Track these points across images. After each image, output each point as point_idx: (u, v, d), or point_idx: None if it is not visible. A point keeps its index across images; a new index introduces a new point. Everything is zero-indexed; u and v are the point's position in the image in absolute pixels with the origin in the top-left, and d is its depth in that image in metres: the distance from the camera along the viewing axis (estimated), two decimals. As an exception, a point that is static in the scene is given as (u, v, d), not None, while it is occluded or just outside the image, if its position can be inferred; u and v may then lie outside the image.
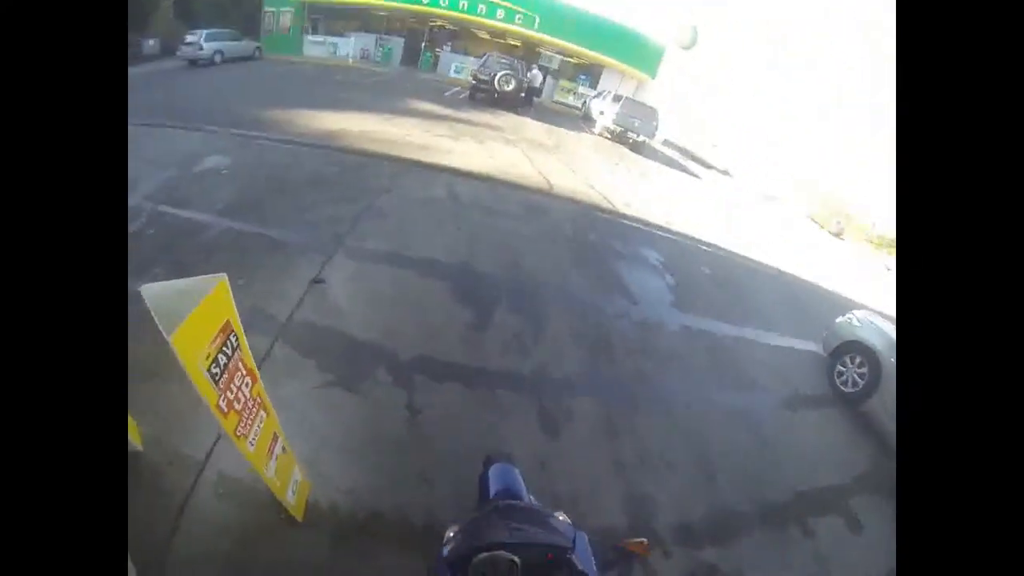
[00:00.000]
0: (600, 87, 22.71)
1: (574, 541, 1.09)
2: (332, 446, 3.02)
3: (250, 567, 2.30)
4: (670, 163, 19.26)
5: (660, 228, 9.08)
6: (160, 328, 1.31)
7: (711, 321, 6.14)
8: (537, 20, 22.48)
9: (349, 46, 23.65)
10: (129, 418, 2.56)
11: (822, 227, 19.18)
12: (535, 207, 7.77)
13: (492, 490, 1.81)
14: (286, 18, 23.89)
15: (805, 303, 8.22)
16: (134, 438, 2.58)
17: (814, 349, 6.32)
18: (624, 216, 9.00)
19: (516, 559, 0.98)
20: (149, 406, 2.81)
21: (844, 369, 5.91)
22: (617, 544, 1.23)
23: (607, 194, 9.88)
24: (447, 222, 6.42)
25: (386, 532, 2.63)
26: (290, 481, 2.37)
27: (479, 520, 1.17)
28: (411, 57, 24.60)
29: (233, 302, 1.67)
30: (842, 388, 5.80)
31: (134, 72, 16.46)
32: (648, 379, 4.64)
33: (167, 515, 2.42)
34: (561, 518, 1.19)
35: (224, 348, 1.61)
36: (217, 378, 1.58)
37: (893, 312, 7.45)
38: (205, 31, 17.92)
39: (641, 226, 8.81)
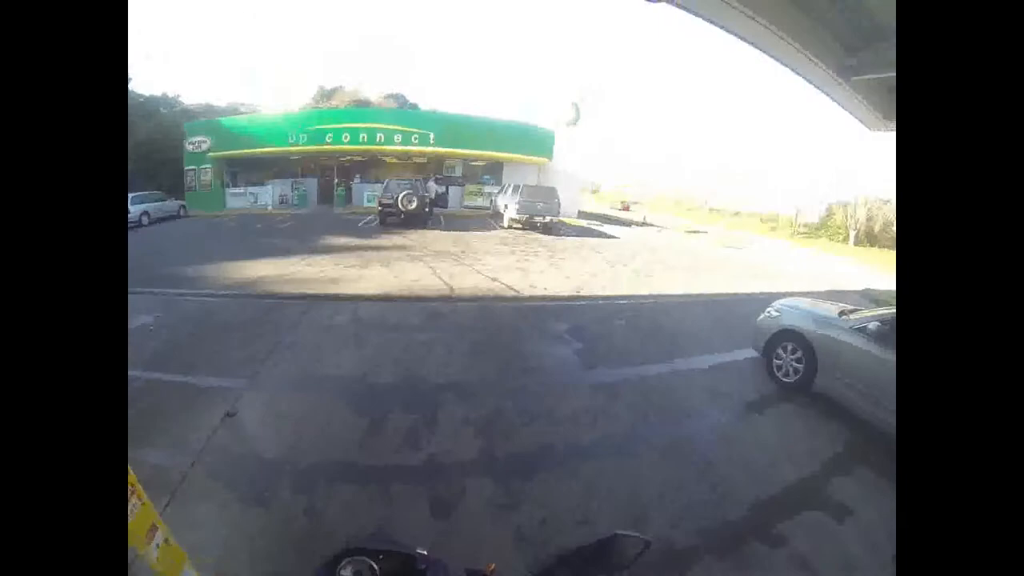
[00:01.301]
0: (504, 182, 24.82)
1: (427, 560, 1.15)
2: (238, 553, 3.37)
3: None
4: (584, 232, 20.79)
5: (568, 299, 10.09)
6: None
7: (627, 368, 6.60)
8: (432, 136, 24.80)
9: (267, 194, 25.55)
10: None
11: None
12: (436, 313, 8.61)
13: None
14: (206, 174, 25.84)
15: (740, 315, 8.53)
16: None
17: (753, 355, 6.81)
18: (528, 299, 9.97)
19: (374, 564, 1.05)
20: None
21: (780, 361, 6.18)
22: (468, 568, 1.29)
23: (513, 284, 10.90)
24: (349, 344, 7.13)
25: None
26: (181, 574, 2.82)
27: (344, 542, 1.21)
28: (326, 194, 26.68)
29: None
30: (784, 380, 6.05)
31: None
32: (552, 445, 4.75)
33: None
34: (420, 550, 1.26)
35: None
36: None
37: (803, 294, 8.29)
38: (131, 195, 18.90)
39: (547, 303, 9.76)
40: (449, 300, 9.55)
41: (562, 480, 4.24)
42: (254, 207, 24.96)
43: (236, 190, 26.11)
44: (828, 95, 8.05)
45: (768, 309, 6.89)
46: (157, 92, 33.51)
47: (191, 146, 25.68)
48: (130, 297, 8.80)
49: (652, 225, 32.63)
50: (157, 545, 2.35)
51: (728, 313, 9.59)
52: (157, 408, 5.14)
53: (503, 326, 8.31)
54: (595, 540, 1.11)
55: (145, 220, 19.49)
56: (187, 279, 10.60)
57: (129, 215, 18.49)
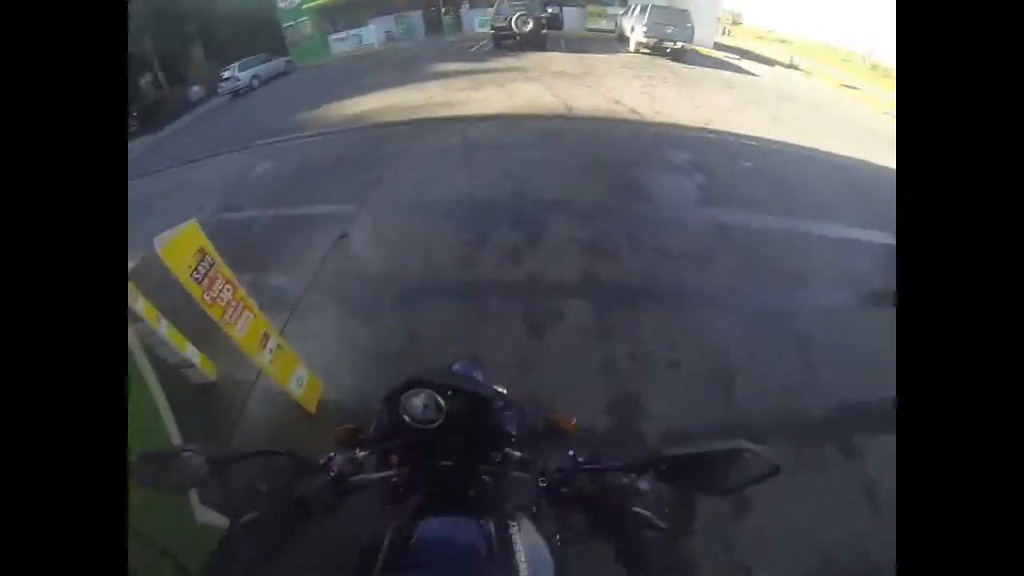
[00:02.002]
0: (629, 2, 21.70)
1: (503, 400, 1.09)
2: (345, 359, 3.58)
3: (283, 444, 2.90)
4: (720, 65, 18.34)
5: (695, 130, 8.79)
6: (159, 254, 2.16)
7: (749, 214, 5.64)
8: (551, -52, 21.89)
9: (371, 33, 24.55)
10: (203, 359, 3.46)
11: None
12: (550, 132, 7.83)
13: None
14: (306, 27, 25.25)
15: (883, 191, 7.10)
16: (210, 374, 3.46)
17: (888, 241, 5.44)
18: (652, 124, 8.82)
19: (441, 400, 1.00)
20: (224, 351, 3.50)
21: None
22: (547, 415, 1.24)
23: (636, 106, 9.70)
24: (457, 165, 6.75)
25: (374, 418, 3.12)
26: (293, 375, 2.98)
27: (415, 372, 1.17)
28: (433, 25, 24.95)
29: (204, 237, 2.41)
30: None
31: (186, 120, 18.38)
32: (657, 279, 4.40)
33: (228, 421, 3.18)
34: (499, 388, 1.23)
35: (201, 264, 2.36)
36: (199, 281, 2.33)
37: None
38: (237, 63, 19.77)
39: (671, 132, 8.58)
40: (566, 119, 8.70)
41: (659, 318, 3.95)
42: (360, 48, 24.29)
43: (339, 35, 25.24)
44: None
45: None
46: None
47: (283, 3, 24.94)
48: (250, 152, 9.43)
49: (799, 69, 28.40)
50: (270, 351, 2.83)
51: (878, 189, 7.56)
52: (277, 239, 5.38)
53: (622, 149, 7.45)
54: (712, 448, 0.90)
55: (256, 83, 19.93)
56: (299, 125, 10.62)
57: (239, 82, 19.44)
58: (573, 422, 1.22)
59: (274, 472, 1.00)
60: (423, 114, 9.37)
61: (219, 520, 2.30)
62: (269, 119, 12.42)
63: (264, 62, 21.08)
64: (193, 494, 2.27)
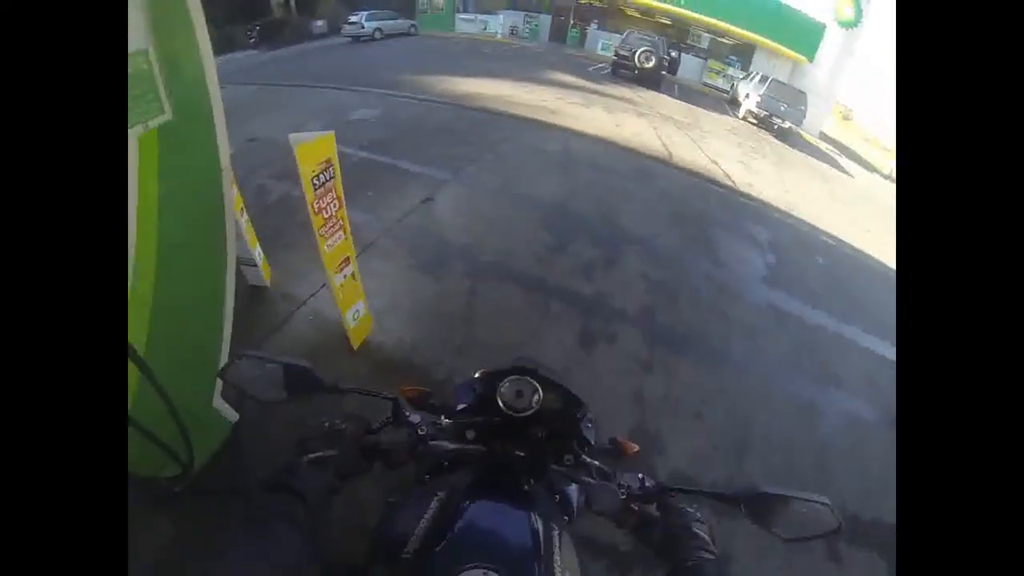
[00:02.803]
0: (751, 69, 21.73)
1: (587, 409, 1.11)
2: (400, 307, 3.80)
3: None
4: (819, 155, 18.17)
5: (779, 212, 8.86)
6: (292, 147, 2.28)
7: (806, 307, 5.71)
8: (684, -4, 22.08)
9: (498, 23, 25.11)
10: (264, 262, 3.70)
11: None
12: (647, 171, 8.08)
13: None
14: None
15: None
16: (266, 278, 3.71)
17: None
18: (741, 194, 8.94)
19: (540, 389, 1.03)
20: (282, 263, 3.87)
21: None
22: (614, 437, 1.25)
23: (731, 172, 9.84)
24: (555, 170, 7.03)
25: (410, 375, 3.23)
26: (352, 306, 3.17)
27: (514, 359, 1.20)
28: (559, 34, 25.40)
29: (335, 150, 2.56)
30: None
31: (304, 47, 19.14)
32: (705, 336, 4.55)
33: (269, 326, 3.43)
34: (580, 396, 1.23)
35: (324, 172, 2.52)
36: (316, 188, 2.48)
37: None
38: (365, 12, 20.71)
39: (757, 205, 8.70)
40: (664, 163, 8.90)
41: (698, 373, 4.08)
42: (483, 34, 24.88)
43: (467, 15, 25.97)
44: None
45: None
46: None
47: None
48: (356, 94, 9.81)
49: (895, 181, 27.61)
50: (345, 275, 2.98)
51: None
52: (366, 180, 5.66)
53: (709, 208, 7.62)
54: (797, 494, 0.96)
55: (378, 35, 20.83)
56: (410, 84, 11.04)
57: (363, 29, 20.39)
58: (636, 449, 1.24)
59: (347, 415, 1.02)
60: (530, 114, 9.70)
61: (230, 413, 2.47)
62: (380, 70, 12.91)
63: (391, 18, 21.96)
64: (217, 383, 2.36)
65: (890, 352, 5.57)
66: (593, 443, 1.11)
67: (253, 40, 19.32)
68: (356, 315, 3.22)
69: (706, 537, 0.94)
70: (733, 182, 9.34)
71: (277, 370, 0.99)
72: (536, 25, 25.33)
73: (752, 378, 4.28)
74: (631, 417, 3.44)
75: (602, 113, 11.04)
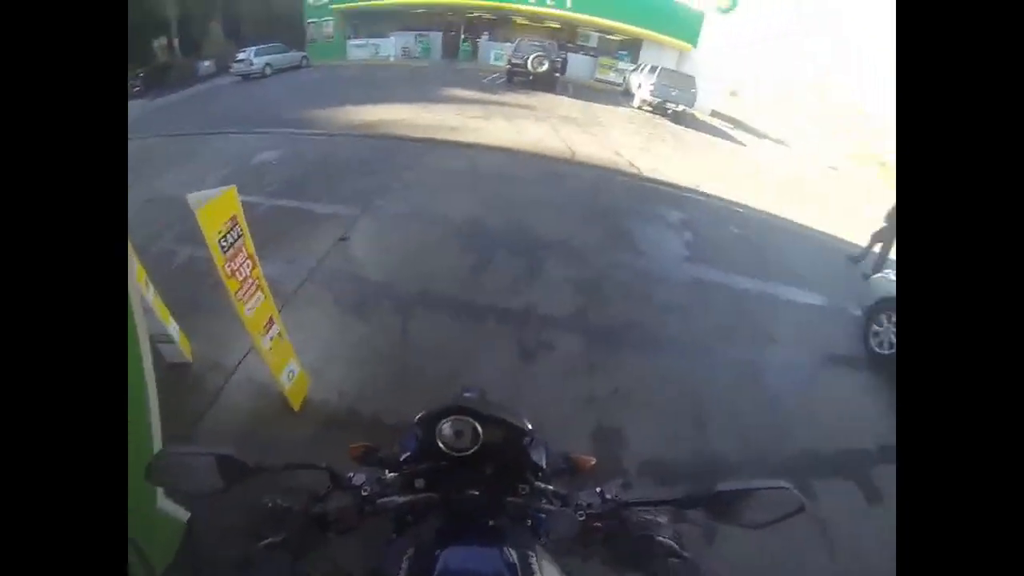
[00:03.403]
0: (640, 61, 22.63)
1: (533, 435, 1.09)
2: (334, 357, 3.66)
3: (256, 442, 2.85)
4: (715, 132, 19.13)
5: (688, 191, 9.25)
6: (193, 210, 2.08)
7: (730, 275, 6.05)
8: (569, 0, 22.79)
9: (390, 46, 25.02)
10: (183, 336, 3.42)
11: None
12: (554, 174, 8.21)
13: None
14: (328, 27, 25.65)
15: (850, 263, 7.93)
16: (186, 353, 3.42)
17: (853, 310, 5.99)
18: (648, 180, 9.26)
19: (479, 427, 1.01)
20: (201, 332, 3.61)
21: (880, 329, 5.41)
22: (568, 454, 1.25)
23: (634, 160, 10.18)
24: (464, 188, 7.02)
25: (361, 425, 3.12)
26: (285, 367, 2.99)
27: (451, 398, 1.19)
28: (451, 50, 25.51)
29: (240, 206, 2.35)
30: (876, 350, 5.34)
31: (192, 91, 18.28)
32: (641, 325, 4.69)
33: (202, 404, 3.16)
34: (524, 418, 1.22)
35: (231, 232, 2.31)
36: (224, 249, 2.29)
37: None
38: (254, 48, 19.99)
39: (665, 188, 9.03)
40: (569, 163, 9.09)
41: (641, 360, 4.20)
42: (375, 59, 24.60)
43: (358, 42, 25.66)
44: None
45: (887, 270, 6.12)
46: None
47: None
48: (255, 136, 9.45)
49: (788, 146, 29.53)
50: (271, 338, 2.82)
51: (846, 261, 8.33)
52: (276, 229, 5.39)
53: (620, 199, 7.84)
54: (756, 485, 0.98)
55: (269, 71, 20.15)
56: (309, 120, 10.79)
57: (253, 66, 19.64)
58: (593, 462, 1.24)
59: (288, 489, 0.99)
60: (433, 134, 9.64)
61: (177, 511, 2.24)
62: (277, 108, 12.57)
63: (281, 52, 21.35)
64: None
65: (811, 298, 6.06)
66: (545, 467, 1.10)
67: (137, 88, 18.16)
68: (291, 375, 3.06)
69: (672, 544, 0.94)
70: (638, 170, 9.68)
71: (207, 460, 0.93)
72: (428, 44, 25.32)
73: (693, 353, 4.45)
74: (587, 419, 3.47)
75: (503, 123, 11.15)
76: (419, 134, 9.60)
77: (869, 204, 13.90)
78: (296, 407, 3.11)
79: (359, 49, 25.39)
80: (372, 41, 25.42)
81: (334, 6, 25.05)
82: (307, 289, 4.41)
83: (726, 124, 23.01)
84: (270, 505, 0.95)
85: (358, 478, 1.01)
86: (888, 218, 8.03)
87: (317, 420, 3.12)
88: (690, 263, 6.21)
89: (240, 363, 3.48)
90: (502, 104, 13.47)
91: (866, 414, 4.41)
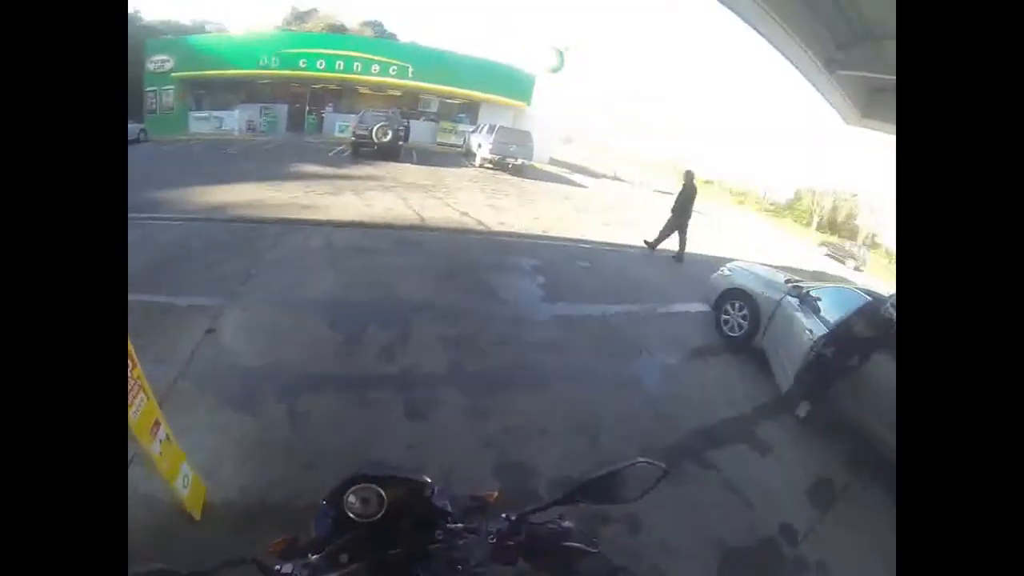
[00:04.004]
0: (479, 122, 24.47)
1: (433, 486, 1.15)
2: (226, 456, 3.51)
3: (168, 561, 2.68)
4: (554, 179, 21.10)
5: (535, 238, 10.49)
6: None
7: (587, 306, 7.13)
8: (410, 69, 24.43)
9: (234, 119, 24.68)
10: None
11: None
12: (406, 241, 8.88)
13: None
14: (169, 96, 24.26)
15: (699, 273, 9.10)
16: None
17: (704, 309, 7.35)
18: (497, 234, 10.34)
19: (381, 491, 1.05)
20: None
21: (728, 316, 6.61)
22: (471, 494, 1.30)
23: (481, 218, 11.25)
24: (323, 266, 7.37)
25: (274, 517, 2.96)
26: (179, 473, 2.77)
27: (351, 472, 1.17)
28: (296, 122, 25.93)
29: None
30: (729, 334, 6.51)
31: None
32: (517, 366, 5.18)
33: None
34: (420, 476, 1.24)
35: None
36: None
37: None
38: None
39: (514, 240, 10.12)
40: (420, 229, 9.82)
41: (525, 397, 4.65)
42: (219, 132, 24.05)
43: (200, 114, 24.88)
44: (811, 83, 7.72)
45: (722, 268, 7.35)
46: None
47: (152, 65, 23.57)
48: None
49: (622, 180, 32.91)
50: (160, 440, 2.61)
51: (688, 271, 10.25)
52: (140, 326, 4.81)
53: (472, 257, 8.63)
54: (615, 467, 1.14)
55: None
56: (155, 204, 10.19)
57: None
58: (495, 494, 1.29)
59: None
60: (287, 214, 9.86)
61: None
62: None
63: (116, 123, 19.92)
64: None
65: (661, 308, 7.46)
66: (451, 511, 1.16)
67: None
68: (186, 480, 2.81)
69: (578, 545, 1.08)
70: (487, 226, 10.71)
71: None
72: (273, 116, 25.47)
73: (571, 380, 5.08)
74: (487, 460, 3.72)
75: (352, 198, 11.68)
76: (273, 214, 9.83)
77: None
78: (197, 515, 2.85)
79: (202, 122, 24.60)
80: (216, 114, 24.88)
81: (175, 74, 23.83)
82: (182, 387, 4.26)
83: (564, 170, 25.36)
84: None
85: (285, 567, 1.02)
86: (674, 209, 10.49)
87: (225, 523, 2.89)
88: (548, 302, 7.07)
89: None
90: (349, 178, 14.08)
91: (735, 385, 5.53)
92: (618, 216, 15.71)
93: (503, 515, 1.15)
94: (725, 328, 6.67)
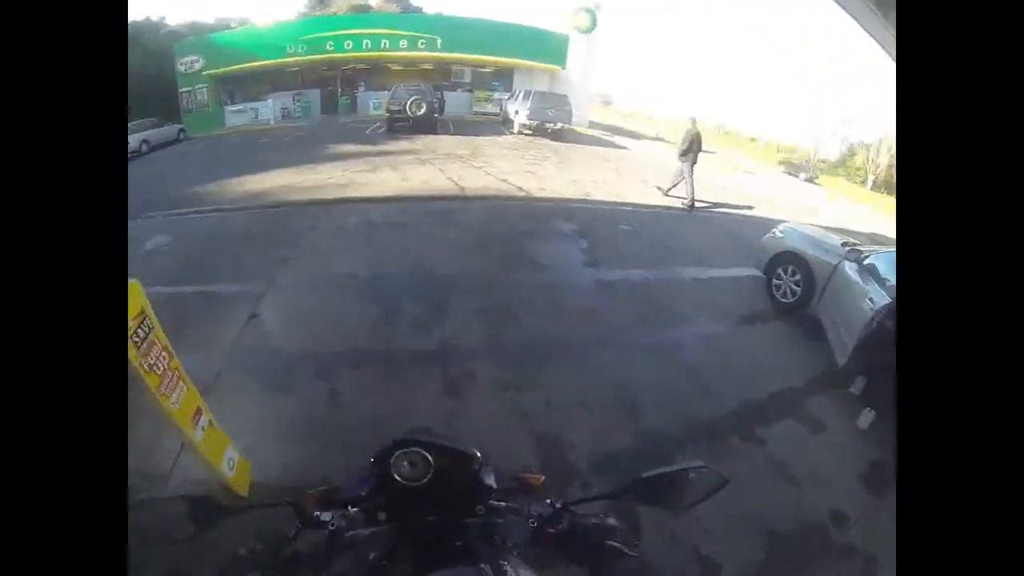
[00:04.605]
0: (514, 89, 23.63)
1: (481, 460, 1.12)
2: (269, 436, 3.56)
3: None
4: (594, 142, 20.26)
5: (576, 202, 9.91)
6: None
7: (628, 270, 6.66)
8: (439, 41, 23.58)
9: (268, 109, 24.55)
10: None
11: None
12: (446, 211, 8.50)
13: None
14: (203, 94, 24.51)
15: (746, 235, 8.42)
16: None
17: (755, 273, 6.67)
18: (537, 199, 9.82)
19: (430, 457, 1.04)
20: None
21: (780, 282, 6.03)
22: (517, 474, 1.28)
23: (521, 184, 10.71)
24: (361, 243, 7.14)
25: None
26: (224, 456, 2.88)
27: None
28: (330, 105, 25.48)
29: (146, 298, 2.30)
30: (782, 300, 5.95)
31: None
32: (555, 335, 4.98)
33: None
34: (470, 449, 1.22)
35: (141, 326, 2.23)
36: (139, 345, 2.19)
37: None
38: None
39: (555, 205, 9.60)
40: (459, 199, 9.42)
41: (564, 367, 4.42)
42: (255, 123, 24.04)
43: (235, 107, 24.87)
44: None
45: (773, 230, 6.65)
46: (138, 17, 29.43)
47: (183, 67, 23.87)
48: (143, 221, 8.97)
49: (663, 140, 31.90)
50: (203, 428, 2.72)
51: (735, 235, 9.37)
52: (182, 317, 5.09)
53: (512, 223, 8.22)
54: (671, 468, 1.07)
55: (145, 148, 18.97)
56: (196, 198, 10.39)
57: (128, 146, 18.44)
58: (542, 479, 1.27)
59: (257, 537, 1.01)
60: (323, 195, 9.65)
61: None
62: (160, 188, 11.88)
63: (155, 127, 20.24)
64: None
65: (707, 272, 6.81)
66: (496, 487, 1.13)
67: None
68: (232, 463, 2.94)
69: (619, 546, 1.02)
70: (527, 192, 10.18)
71: (177, 505, 1.01)
72: (307, 102, 25.10)
73: (612, 348, 4.78)
74: (525, 433, 3.58)
75: (389, 172, 11.34)
76: (310, 196, 9.63)
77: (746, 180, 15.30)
78: (245, 493, 2.97)
79: (237, 115, 24.61)
80: (250, 105, 24.76)
81: (206, 72, 24.04)
82: (226, 373, 4.28)
83: (605, 132, 24.36)
84: (242, 552, 0.97)
85: (324, 515, 1.05)
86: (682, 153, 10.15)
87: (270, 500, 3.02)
88: (591, 267, 6.72)
89: (175, 465, 3.22)
90: (386, 153, 13.69)
91: (786, 357, 5.02)
92: (659, 176, 14.74)
93: (548, 500, 1.12)
94: (777, 294, 6.07)
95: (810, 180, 27.99)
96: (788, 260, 5.97)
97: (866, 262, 4.90)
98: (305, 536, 1.03)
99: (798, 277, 5.79)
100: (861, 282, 4.79)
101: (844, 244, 5.71)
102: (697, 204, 10.50)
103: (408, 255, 6.71)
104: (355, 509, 1.08)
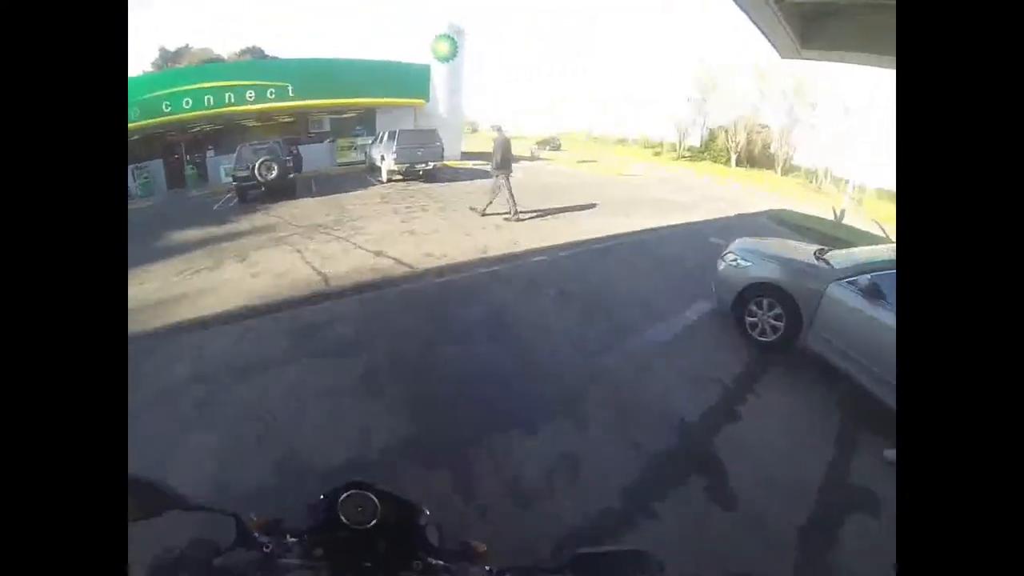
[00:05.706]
0: (377, 131, 21.19)
1: (428, 517, 1.10)
2: None
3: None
4: (470, 174, 18.73)
5: (474, 265, 8.12)
6: None
7: (581, 361, 4.83)
8: (289, 88, 20.79)
9: (103, 189, 20.48)
10: None
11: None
12: (308, 327, 6.00)
13: None
14: None
15: (679, 259, 7.87)
16: None
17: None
18: (424, 274, 7.77)
19: (379, 503, 1.01)
20: None
21: (755, 319, 5.09)
22: (461, 540, 1.16)
23: (402, 256, 8.60)
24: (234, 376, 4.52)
25: None
26: None
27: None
28: (176, 176, 21.48)
29: None
30: (762, 339, 5.03)
31: None
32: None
33: None
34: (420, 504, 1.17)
35: None
36: None
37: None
38: None
39: (449, 278, 7.63)
40: (325, 297, 6.94)
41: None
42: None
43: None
44: (751, 17, 7.38)
45: (728, 257, 5.49)
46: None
47: None
48: None
49: (540, 159, 31.38)
50: None
51: (664, 257, 8.32)
52: None
53: (397, 323, 6.02)
54: (613, 548, 1.04)
55: None
56: None
57: None
58: (484, 548, 1.17)
59: (193, 540, 0.95)
60: (150, 318, 6.62)
61: None
62: None
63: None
64: None
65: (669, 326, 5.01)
66: (437, 547, 1.10)
67: None
68: None
69: None
70: (410, 266, 8.13)
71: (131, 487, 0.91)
72: (147, 177, 20.76)
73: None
74: None
75: (235, 266, 8.49)
76: (136, 323, 6.70)
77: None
78: None
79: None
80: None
81: None
82: None
83: (481, 161, 22.84)
84: (175, 554, 0.92)
85: (262, 538, 1.02)
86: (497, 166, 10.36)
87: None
88: (528, 383, 4.68)
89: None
90: (235, 236, 10.72)
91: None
92: (549, 200, 13.61)
93: (487, 567, 1.09)
94: (754, 333, 5.10)
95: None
96: (761, 292, 4.99)
97: (865, 284, 4.14)
98: (238, 553, 0.98)
99: (777, 311, 4.85)
100: (867, 305, 4.09)
101: (817, 254, 5.10)
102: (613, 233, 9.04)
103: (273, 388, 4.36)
104: (294, 539, 1.05)
